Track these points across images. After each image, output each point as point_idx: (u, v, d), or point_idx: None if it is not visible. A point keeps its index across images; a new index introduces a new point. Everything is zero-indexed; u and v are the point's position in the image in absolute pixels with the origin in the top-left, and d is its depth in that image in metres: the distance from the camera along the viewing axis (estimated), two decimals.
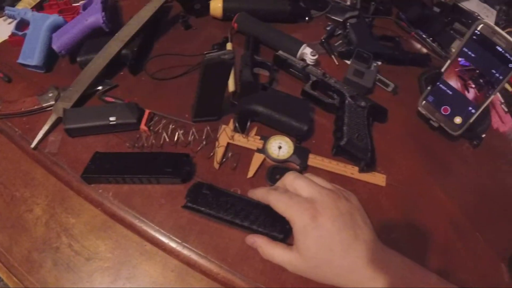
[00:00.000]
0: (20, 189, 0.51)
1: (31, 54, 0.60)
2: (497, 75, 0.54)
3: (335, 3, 0.80)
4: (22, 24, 0.66)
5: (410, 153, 0.60)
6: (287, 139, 0.55)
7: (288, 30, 0.70)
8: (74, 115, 0.53)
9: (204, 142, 0.54)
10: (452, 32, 0.80)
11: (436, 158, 0.60)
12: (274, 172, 0.52)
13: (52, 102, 0.56)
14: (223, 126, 0.56)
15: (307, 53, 0.66)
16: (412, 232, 0.51)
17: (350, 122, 0.56)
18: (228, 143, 0.54)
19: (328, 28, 0.75)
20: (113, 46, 0.60)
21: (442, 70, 0.60)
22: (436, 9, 0.83)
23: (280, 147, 0.54)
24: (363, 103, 0.58)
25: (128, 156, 0.51)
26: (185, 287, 0.45)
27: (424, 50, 0.77)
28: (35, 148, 0.53)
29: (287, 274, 0.44)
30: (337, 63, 0.70)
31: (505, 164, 0.63)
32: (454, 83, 0.59)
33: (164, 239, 0.46)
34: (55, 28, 0.63)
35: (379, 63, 0.70)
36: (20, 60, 0.60)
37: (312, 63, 0.65)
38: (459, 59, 0.58)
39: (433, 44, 0.77)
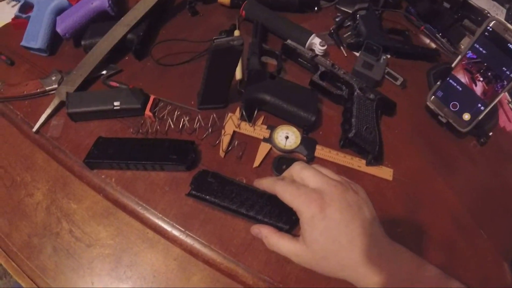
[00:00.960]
0: (21, 173, 0.50)
1: (35, 37, 0.59)
2: (507, 72, 0.54)
3: None
4: (26, 7, 0.65)
5: (417, 148, 0.59)
6: (294, 129, 0.54)
7: (296, 20, 0.69)
8: (78, 99, 0.52)
9: (209, 130, 0.53)
10: (461, 28, 0.79)
11: (442, 154, 0.59)
12: (280, 162, 0.51)
13: (55, 86, 0.55)
14: (230, 114, 0.55)
15: (316, 43, 0.65)
16: (416, 227, 0.51)
17: (359, 114, 0.55)
18: (234, 132, 0.54)
19: (337, 19, 0.74)
20: (119, 31, 0.59)
21: (453, 65, 0.59)
22: (446, 5, 0.82)
23: (287, 137, 0.53)
24: (372, 96, 0.57)
25: (132, 141, 0.50)
26: (187, 276, 0.44)
27: (433, 45, 0.76)
28: (37, 132, 0.52)
29: (291, 265, 0.44)
30: (345, 55, 0.69)
31: (511, 163, 0.62)
32: (463, 78, 0.58)
33: (167, 227, 0.46)
34: (60, 11, 0.62)
35: (388, 56, 0.69)
36: (23, 43, 0.59)
37: (321, 54, 0.64)
38: (468, 54, 0.57)
39: (442, 39, 0.76)
